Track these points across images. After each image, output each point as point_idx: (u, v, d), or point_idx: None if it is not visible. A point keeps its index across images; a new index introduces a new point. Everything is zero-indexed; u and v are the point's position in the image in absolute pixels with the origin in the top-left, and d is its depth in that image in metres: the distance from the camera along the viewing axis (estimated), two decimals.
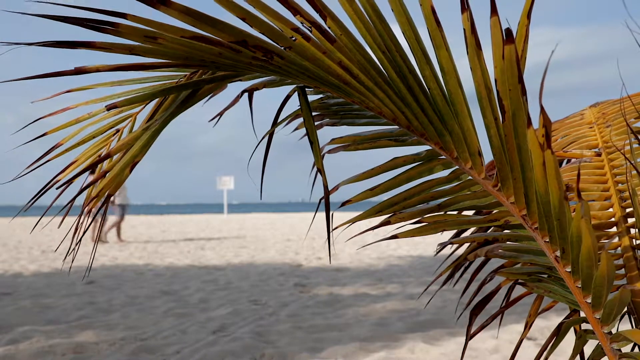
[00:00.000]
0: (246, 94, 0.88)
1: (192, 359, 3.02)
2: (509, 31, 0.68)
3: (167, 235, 13.30)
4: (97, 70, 0.67)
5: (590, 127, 1.20)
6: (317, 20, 0.73)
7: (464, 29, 0.72)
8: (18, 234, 13.78)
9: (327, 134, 0.97)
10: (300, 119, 0.97)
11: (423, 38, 0.76)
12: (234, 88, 0.86)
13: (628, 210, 1.02)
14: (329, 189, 0.95)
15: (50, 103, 0.96)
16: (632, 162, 0.91)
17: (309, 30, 0.73)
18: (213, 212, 38.90)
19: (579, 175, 0.77)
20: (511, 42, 0.68)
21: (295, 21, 0.73)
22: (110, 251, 9.43)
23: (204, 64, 0.66)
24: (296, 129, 0.99)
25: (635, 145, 1.04)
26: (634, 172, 0.95)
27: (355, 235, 0.96)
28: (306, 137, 0.89)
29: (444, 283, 1.09)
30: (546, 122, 0.70)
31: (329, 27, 0.75)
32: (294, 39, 0.71)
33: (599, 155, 1.12)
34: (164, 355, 3.10)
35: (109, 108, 0.67)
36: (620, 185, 1.06)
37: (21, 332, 3.60)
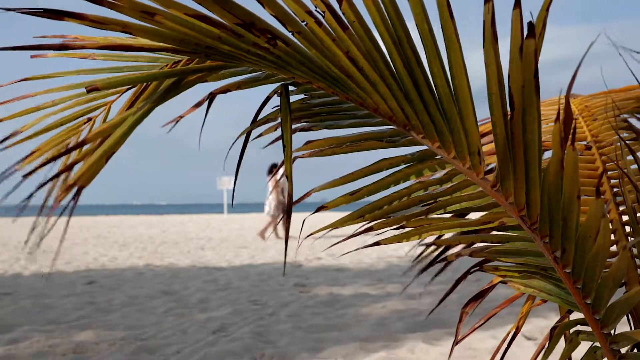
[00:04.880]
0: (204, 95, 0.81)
1: (192, 359, 3.02)
2: (531, 25, 0.66)
3: (167, 236, 13.27)
4: (83, 47, 0.63)
5: (575, 119, 1.18)
6: (332, 4, 0.71)
7: (484, 21, 0.69)
8: (19, 234, 13.77)
9: (302, 135, 0.90)
10: (273, 123, 0.92)
11: (436, 33, 0.74)
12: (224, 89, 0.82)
13: (622, 207, 1.01)
14: (306, 192, 0.93)
15: (17, 92, 0.87)
16: (622, 161, 0.91)
17: (322, 15, 0.71)
18: (213, 212, 38.81)
19: (601, 175, 0.75)
20: (532, 36, 0.66)
21: (310, 4, 0.70)
22: (110, 251, 9.42)
23: (197, 50, 0.63)
24: (259, 135, 0.93)
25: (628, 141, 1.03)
26: (626, 170, 0.95)
27: (350, 236, 0.95)
28: (280, 139, 0.83)
29: (433, 278, 1.08)
30: (567, 119, 0.69)
31: (344, 13, 0.73)
32: (305, 23, 0.69)
33: (588, 148, 1.11)
34: (164, 355, 3.10)
35: (90, 90, 0.63)
36: (613, 181, 1.05)
37: (21, 332, 3.60)
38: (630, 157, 0.93)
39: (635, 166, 0.95)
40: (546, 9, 0.69)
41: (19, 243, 11.18)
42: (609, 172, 1.06)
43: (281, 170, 11.94)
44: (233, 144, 0.87)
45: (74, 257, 8.11)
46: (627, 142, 1.01)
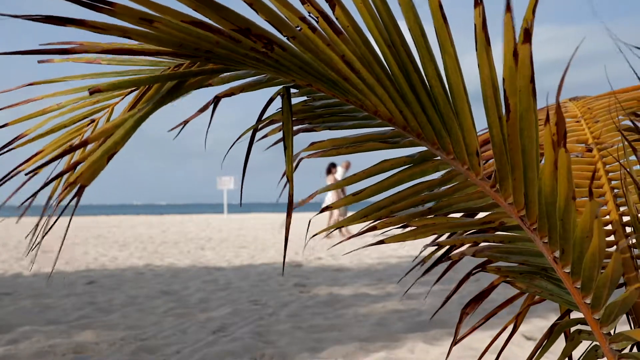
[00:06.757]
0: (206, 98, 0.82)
1: (192, 359, 3.02)
2: (526, 31, 0.66)
3: (167, 236, 13.27)
4: (85, 51, 0.64)
5: (577, 121, 1.19)
6: (325, 10, 0.72)
7: (475, 25, 0.70)
8: (18, 234, 13.77)
9: (305, 138, 0.90)
10: (276, 124, 0.93)
11: (428, 35, 0.75)
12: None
13: (622, 208, 1.01)
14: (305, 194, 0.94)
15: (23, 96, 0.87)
16: (625, 161, 0.91)
17: (315, 20, 0.72)
18: (213, 212, 38.82)
19: (593, 176, 0.75)
20: (528, 41, 0.67)
21: (303, 10, 0.71)
22: (110, 251, 9.42)
23: (197, 54, 0.64)
24: (264, 136, 0.93)
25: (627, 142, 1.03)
26: (628, 169, 0.95)
27: (354, 235, 0.95)
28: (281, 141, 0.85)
29: (438, 279, 1.08)
30: (560, 121, 0.69)
31: (337, 18, 0.73)
32: (299, 28, 0.70)
33: (589, 150, 1.11)
34: (164, 355, 3.10)
35: (92, 92, 0.63)
36: (613, 182, 1.05)
37: (21, 332, 3.60)
38: (632, 158, 0.93)
39: (637, 167, 0.95)
40: (532, 10, 0.69)
41: (19, 243, 11.18)
42: (610, 174, 1.06)
43: (340, 170, 12.07)
44: (234, 143, 0.88)
45: (74, 257, 8.11)
46: (630, 142, 1.01)
